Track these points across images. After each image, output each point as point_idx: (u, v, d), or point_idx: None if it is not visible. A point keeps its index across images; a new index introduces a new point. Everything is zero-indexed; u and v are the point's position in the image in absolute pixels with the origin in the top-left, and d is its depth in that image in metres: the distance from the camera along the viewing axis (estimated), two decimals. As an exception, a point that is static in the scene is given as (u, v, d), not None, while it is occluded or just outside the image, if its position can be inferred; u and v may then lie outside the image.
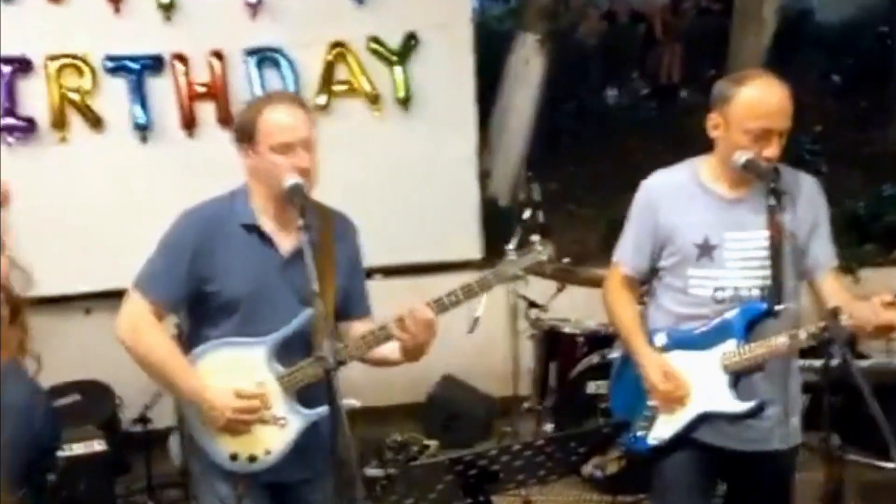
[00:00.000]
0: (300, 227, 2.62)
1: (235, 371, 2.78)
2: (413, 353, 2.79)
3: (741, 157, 2.89)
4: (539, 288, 5.45)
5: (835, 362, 2.72)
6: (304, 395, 2.82)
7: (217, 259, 2.78)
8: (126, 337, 2.78)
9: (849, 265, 5.75)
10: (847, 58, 9.54)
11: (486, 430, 5.67)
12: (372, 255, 5.88)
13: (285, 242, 2.83)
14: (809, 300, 3.09)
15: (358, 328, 2.90)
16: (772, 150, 2.89)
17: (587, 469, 4.80)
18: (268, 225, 2.83)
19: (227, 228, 2.80)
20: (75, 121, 5.65)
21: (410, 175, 6.16)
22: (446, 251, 6.16)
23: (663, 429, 3.09)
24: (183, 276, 2.78)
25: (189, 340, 2.88)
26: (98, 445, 4.53)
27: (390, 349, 2.83)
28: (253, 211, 2.83)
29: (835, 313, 2.71)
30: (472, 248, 6.34)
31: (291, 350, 2.80)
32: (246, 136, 2.78)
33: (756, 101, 2.89)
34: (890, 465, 4.16)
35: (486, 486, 2.64)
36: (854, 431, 3.80)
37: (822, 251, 3.06)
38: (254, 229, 2.81)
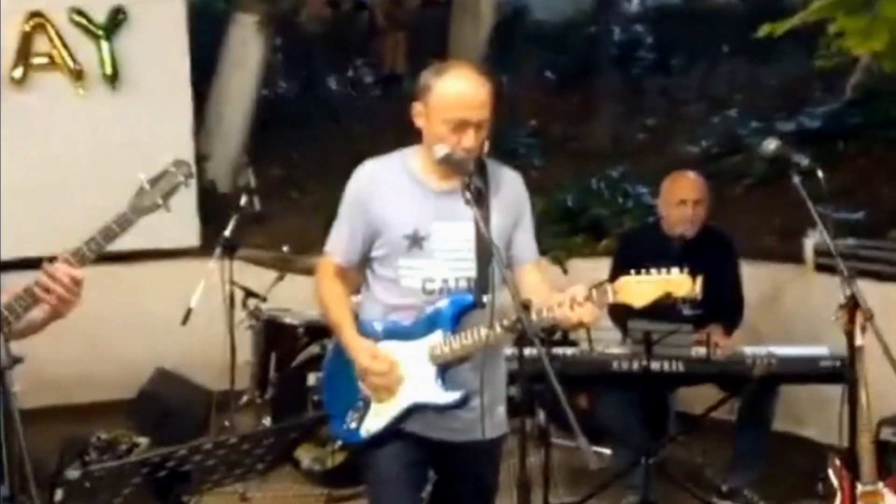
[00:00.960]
0: None
1: None
2: (61, 312, 2.60)
3: (440, 150, 2.94)
4: (258, 277, 5.39)
5: (531, 352, 2.76)
6: None
7: None
8: None
9: (558, 256, 6.01)
10: (561, 55, 10.02)
11: (202, 425, 5.51)
12: (75, 243, 5.72)
13: None
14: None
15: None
16: (468, 141, 2.94)
17: (306, 463, 4.78)
18: None
19: None
20: None
21: (120, 157, 5.90)
22: (160, 238, 5.90)
23: (374, 421, 3.10)
24: None
25: None
26: None
27: (35, 312, 2.61)
28: None
29: (526, 306, 2.77)
30: (188, 234, 6.19)
31: None
32: None
33: (453, 92, 2.95)
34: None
35: (178, 485, 2.58)
36: (561, 416, 4.01)
37: (524, 245, 3.15)
38: None
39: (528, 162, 7.86)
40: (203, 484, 2.68)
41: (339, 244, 3.16)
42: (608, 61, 9.39)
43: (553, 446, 4.40)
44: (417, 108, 3.03)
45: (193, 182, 6.34)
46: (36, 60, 5.73)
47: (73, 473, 4.54)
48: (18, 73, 5.66)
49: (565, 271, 5.92)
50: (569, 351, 4.61)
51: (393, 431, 3.08)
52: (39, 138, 5.60)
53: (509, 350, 3.14)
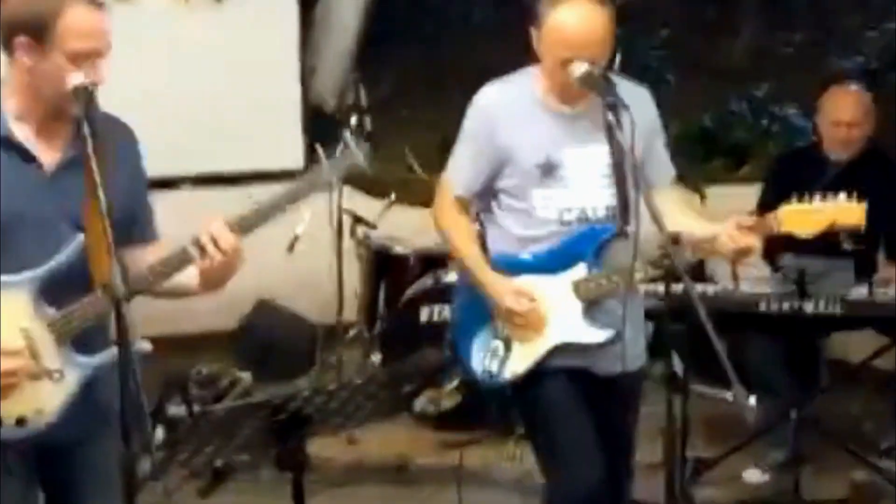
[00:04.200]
0: (83, 134, 2.36)
1: None
2: (214, 281, 2.55)
3: (578, 67, 2.88)
4: (367, 202, 5.32)
5: (677, 289, 2.81)
6: (81, 340, 2.52)
7: None
8: None
9: (695, 183, 5.81)
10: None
11: (307, 360, 5.49)
12: (179, 163, 5.73)
13: (48, 155, 2.51)
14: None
15: (144, 255, 2.61)
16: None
17: (419, 404, 4.74)
18: (25, 135, 2.51)
19: None
20: None
21: (224, 74, 5.97)
22: (264, 159, 5.96)
23: (519, 362, 3.07)
24: None
25: None
26: None
27: (188, 276, 2.57)
28: (3, 120, 2.50)
29: (675, 240, 2.78)
30: (293, 155, 6.18)
31: (64, 287, 2.48)
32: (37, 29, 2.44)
33: (561, 28, 2.91)
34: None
35: (298, 430, 2.54)
36: (698, 361, 3.85)
37: (660, 166, 3.13)
38: (8, 142, 2.49)
39: (661, 77, 7.59)
40: (324, 427, 2.68)
41: (461, 175, 3.15)
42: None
43: (690, 394, 4.22)
44: (534, 34, 2.99)
45: (299, 99, 6.41)
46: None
47: (175, 410, 4.61)
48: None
49: (703, 199, 5.70)
50: (710, 288, 4.38)
51: (540, 370, 3.07)
52: (145, 54, 5.62)
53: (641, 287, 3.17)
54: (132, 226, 2.61)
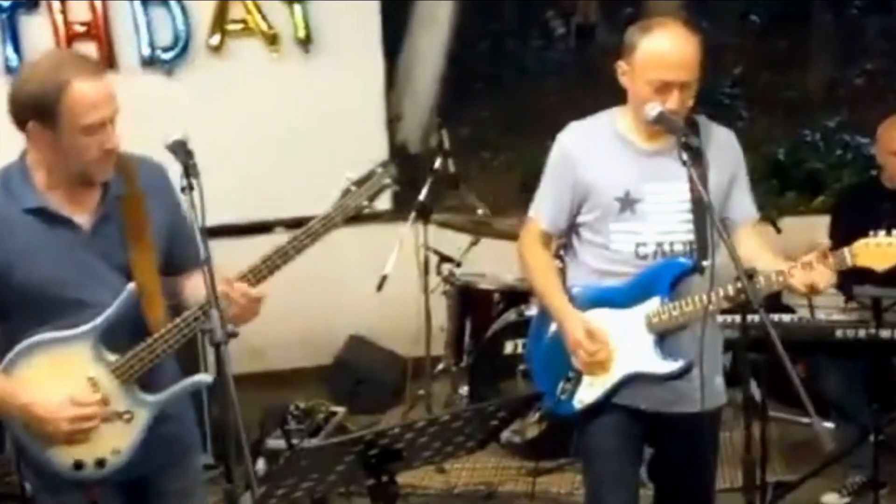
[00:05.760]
0: (112, 194, 2.51)
1: (61, 373, 2.55)
2: (241, 321, 2.64)
3: (653, 109, 2.90)
4: (452, 241, 5.37)
5: (754, 319, 2.76)
6: (145, 380, 2.62)
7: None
8: None
9: (769, 214, 5.76)
10: (766, -3, 9.59)
11: (397, 393, 5.57)
12: (273, 207, 5.85)
13: (82, 217, 2.60)
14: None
15: (189, 282, 2.69)
16: (672, 103, 2.90)
17: (505, 435, 4.72)
18: (58, 202, 2.58)
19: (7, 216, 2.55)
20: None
21: (313, 121, 6.01)
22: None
23: (588, 392, 3.06)
24: None
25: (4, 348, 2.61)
26: None
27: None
28: (35, 191, 2.57)
29: (750, 275, 2.75)
30: (381, 198, 6.20)
31: (121, 333, 2.58)
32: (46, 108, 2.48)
33: (657, 52, 2.91)
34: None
35: (390, 465, 2.55)
36: (777, 387, 3.83)
37: (742, 205, 3.10)
38: (44, 212, 2.56)
39: (734, 113, 7.57)
40: (414, 461, 2.67)
41: (546, 210, 3.15)
42: (820, 1, 8.88)
43: (770, 419, 4.19)
44: (622, 66, 3.00)
45: (385, 143, 6.51)
46: (231, 27, 5.86)
47: (275, 443, 4.71)
48: (216, 40, 5.80)
49: (778, 230, 5.64)
50: (787, 317, 4.37)
51: (607, 403, 3.05)
52: (237, 104, 5.74)
53: (720, 317, 3.10)
54: (176, 254, 2.69)
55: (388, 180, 2.72)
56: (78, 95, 2.45)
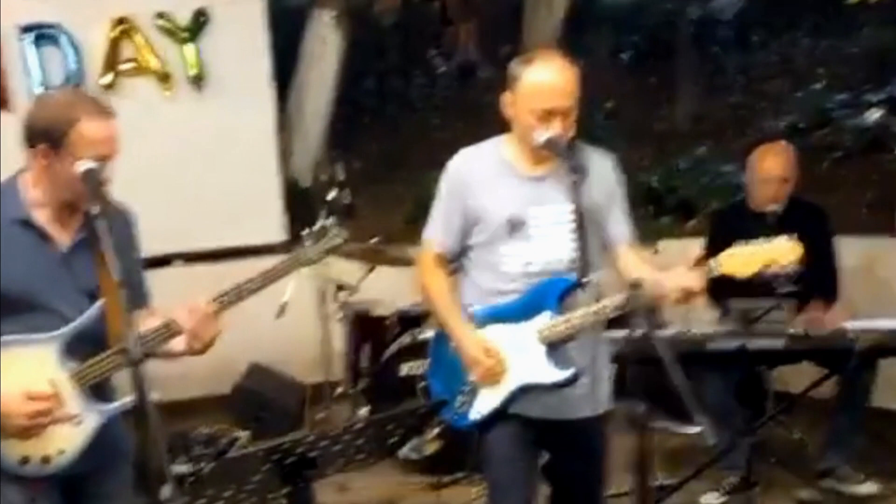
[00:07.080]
0: (94, 215, 2.63)
1: (23, 372, 2.64)
2: (197, 348, 2.75)
3: (540, 136, 3.00)
4: (347, 269, 5.44)
5: (637, 333, 2.82)
6: (97, 390, 2.73)
7: None
8: None
9: (647, 238, 5.96)
10: (635, 35, 9.94)
11: (298, 418, 5.62)
12: (170, 241, 5.84)
13: (62, 237, 2.75)
14: (614, 271, 3.21)
15: (143, 319, 2.81)
16: (555, 129, 3.00)
17: (404, 451, 4.80)
18: (45, 219, 2.74)
19: None
20: None
21: (207, 156, 6.08)
22: (248, 235, 6.11)
23: (484, 403, 3.15)
24: None
25: None
26: None
27: (175, 342, 2.77)
28: (24, 205, 2.72)
29: (636, 285, 2.85)
30: (275, 230, 6.30)
31: (84, 345, 2.70)
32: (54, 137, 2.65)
33: (539, 82, 3.01)
34: (692, 429, 4.40)
35: (305, 472, 2.65)
36: (659, 399, 3.99)
37: (620, 226, 3.20)
38: (28, 224, 2.71)
39: (609, 145, 7.75)
40: (327, 470, 2.76)
41: (439, 233, 3.23)
42: (685, 39, 9.26)
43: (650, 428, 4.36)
44: (507, 97, 3.09)
45: (277, 177, 6.53)
46: (123, 66, 5.86)
47: (181, 468, 4.70)
48: (108, 79, 5.80)
49: (656, 252, 5.87)
50: (664, 332, 4.56)
51: (503, 413, 3.13)
52: (131, 142, 5.71)
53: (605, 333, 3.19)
54: (130, 292, 2.76)
55: (339, 240, 2.86)
56: (89, 129, 2.65)
